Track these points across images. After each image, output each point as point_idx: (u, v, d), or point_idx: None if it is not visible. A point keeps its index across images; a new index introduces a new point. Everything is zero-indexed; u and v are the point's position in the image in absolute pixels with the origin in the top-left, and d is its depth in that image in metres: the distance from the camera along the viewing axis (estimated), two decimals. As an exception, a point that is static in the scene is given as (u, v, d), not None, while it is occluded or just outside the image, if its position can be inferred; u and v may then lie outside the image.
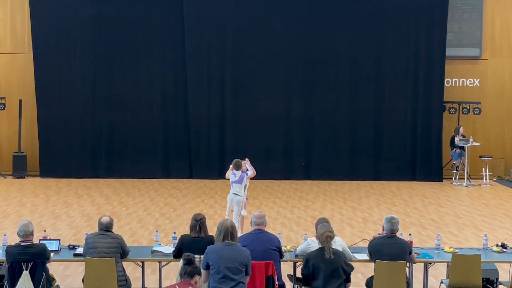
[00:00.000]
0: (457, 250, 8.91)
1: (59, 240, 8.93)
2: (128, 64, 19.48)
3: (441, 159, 19.79)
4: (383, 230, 8.29)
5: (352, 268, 7.65)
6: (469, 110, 19.87)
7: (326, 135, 19.75)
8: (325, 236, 7.53)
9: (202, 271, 7.09)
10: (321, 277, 7.42)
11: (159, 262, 8.62)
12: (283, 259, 8.21)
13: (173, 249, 8.45)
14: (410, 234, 9.20)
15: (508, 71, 20.23)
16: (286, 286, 8.17)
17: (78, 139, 19.51)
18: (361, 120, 19.76)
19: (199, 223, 8.30)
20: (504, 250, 9.03)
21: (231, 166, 12.05)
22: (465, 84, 20.25)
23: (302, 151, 19.80)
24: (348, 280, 7.57)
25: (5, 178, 19.04)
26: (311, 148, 19.82)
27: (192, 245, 7.99)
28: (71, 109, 19.44)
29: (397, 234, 8.37)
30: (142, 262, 8.59)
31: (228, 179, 12.11)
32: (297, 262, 8.45)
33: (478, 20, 20.09)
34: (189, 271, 6.58)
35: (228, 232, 7.29)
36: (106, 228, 8.26)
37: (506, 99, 20.25)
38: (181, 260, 6.86)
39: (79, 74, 19.40)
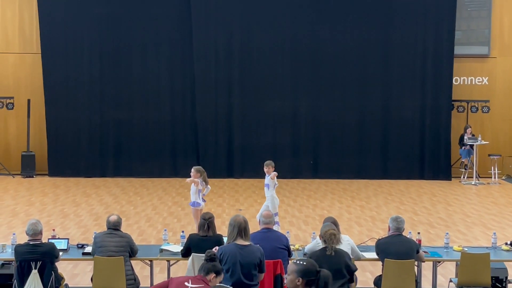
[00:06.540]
0: (466, 249, 8.87)
1: (67, 239, 8.95)
2: (135, 63, 19.51)
3: (449, 158, 19.73)
4: (389, 230, 8.27)
5: (355, 268, 7.57)
6: (477, 109, 19.80)
7: (334, 133, 19.72)
8: (329, 234, 7.45)
9: None
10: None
11: (168, 261, 8.63)
12: (292, 258, 8.20)
13: (182, 248, 8.44)
14: (418, 233, 9.17)
15: (516, 69, 20.17)
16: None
17: (86, 138, 19.55)
18: (369, 119, 19.71)
19: (207, 222, 8.29)
20: (513, 248, 9.00)
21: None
22: (473, 83, 20.17)
23: (310, 149, 19.78)
24: (351, 280, 7.43)
25: (13, 177, 19.08)
26: (319, 147, 19.79)
27: (200, 244, 7.96)
28: (79, 108, 19.49)
29: (406, 233, 8.34)
30: (151, 261, 8.60)
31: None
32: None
33: (486, 18, 20.01)
34: (205, 267, 6.42)
35: (241, 227, 7.18)
36: (114, 227, 8.27)
37: (514, 97, 20.18)
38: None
39: (87, 73, 19.44)
